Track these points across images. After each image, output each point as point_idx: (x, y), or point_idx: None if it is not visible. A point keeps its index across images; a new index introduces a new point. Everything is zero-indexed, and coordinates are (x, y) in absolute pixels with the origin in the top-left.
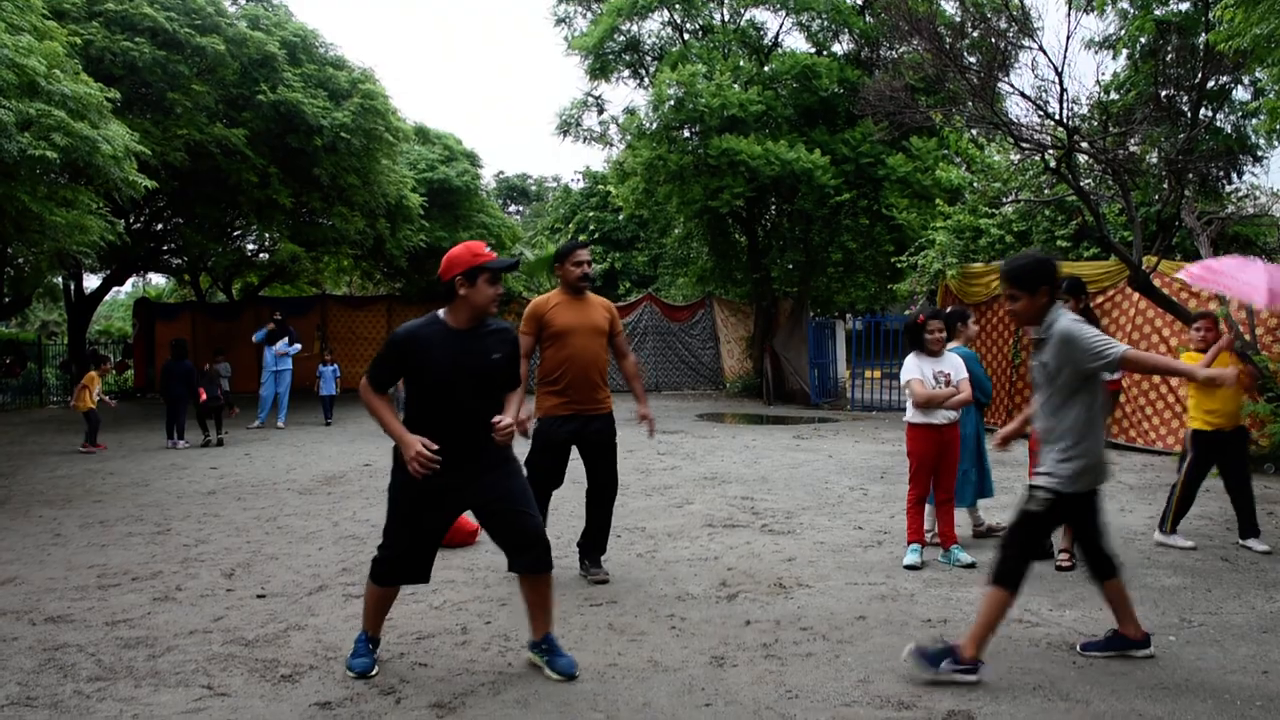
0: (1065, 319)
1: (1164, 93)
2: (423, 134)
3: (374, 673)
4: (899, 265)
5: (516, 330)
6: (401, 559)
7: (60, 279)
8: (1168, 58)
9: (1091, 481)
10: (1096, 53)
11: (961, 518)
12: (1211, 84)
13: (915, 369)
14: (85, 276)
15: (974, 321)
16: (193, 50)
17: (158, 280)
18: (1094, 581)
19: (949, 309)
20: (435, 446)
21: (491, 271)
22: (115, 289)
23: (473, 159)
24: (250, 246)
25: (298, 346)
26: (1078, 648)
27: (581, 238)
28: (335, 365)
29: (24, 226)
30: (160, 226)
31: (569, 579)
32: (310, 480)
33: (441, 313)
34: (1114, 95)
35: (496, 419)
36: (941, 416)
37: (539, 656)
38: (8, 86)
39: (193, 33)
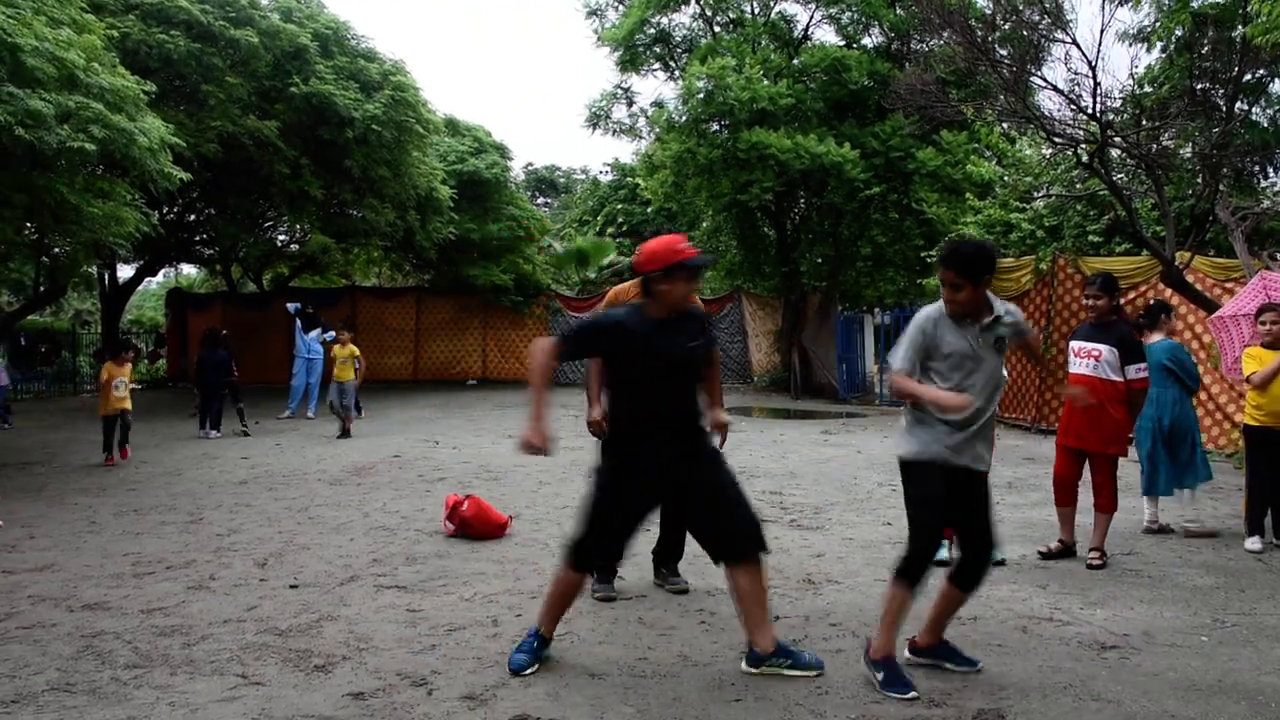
0: (1009, 306)
1: (1199, 86)
2: (453, 126)
3: (528, 672)
4: (928, 260)
5: (708, 315)
6: (602, 543)
7: (95, 269)
8: (1203, 50)
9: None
10: (1130, 46)
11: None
12: (1248, 77)
13: None
14: (119, 267)
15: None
16: (226, 43)
17: (188, 271)
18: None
19: (1153, 300)
20: (538, 443)
21: (689, 270)
22: (147, 279)
23: (502, 151)
24: (281, 238)
25: (332, 333)
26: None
27: (610, 230)
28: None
29: (62, 217)
30: (193, 218)
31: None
32: (340, 471)
33: (640, 302)
34: (1148, 89)
35: (713, 415)
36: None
37: (778, 665)
38: (47, 79)
39: (227, 25)
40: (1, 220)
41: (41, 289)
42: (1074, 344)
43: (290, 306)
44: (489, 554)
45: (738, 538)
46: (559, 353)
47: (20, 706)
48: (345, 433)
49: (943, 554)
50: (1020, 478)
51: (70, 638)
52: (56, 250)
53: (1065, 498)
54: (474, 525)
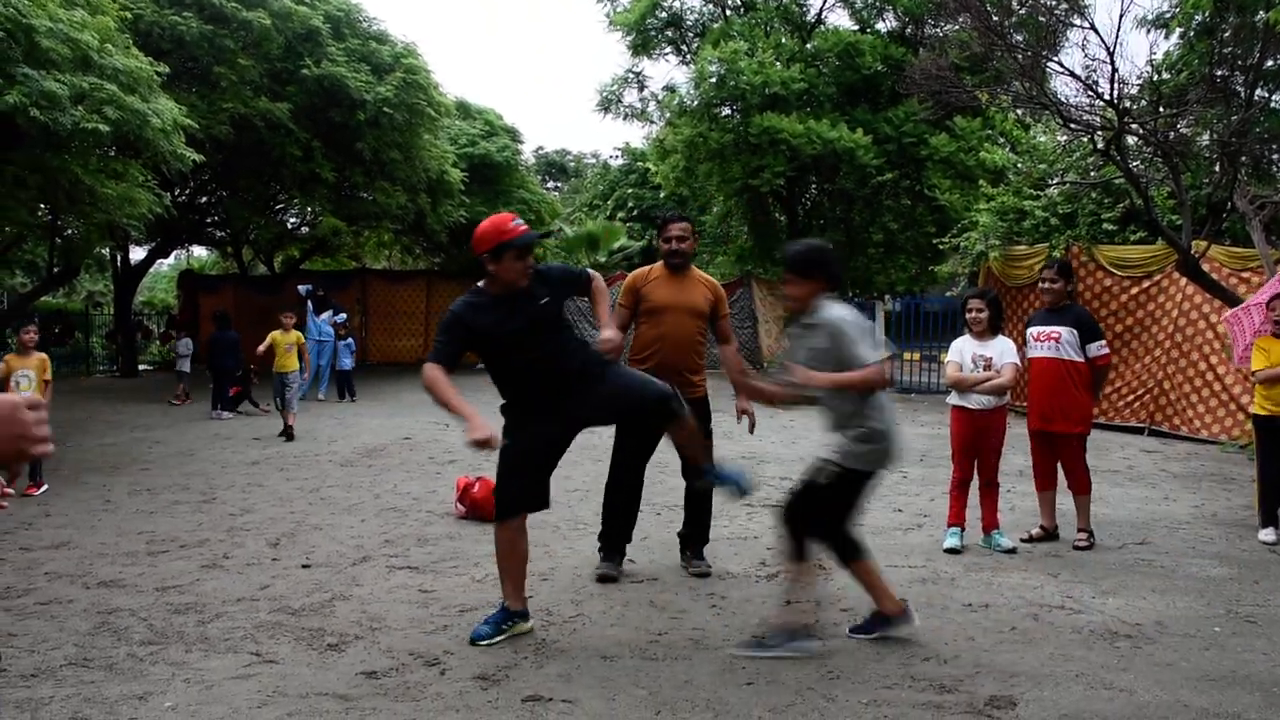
0: (836, 310)
1: (1219, 72)
2: (464, 109)
3: (484, 642)
4: (941, 247)
5: (561, 266)
6: (523, 493)
7: (108, 250)
8: (1224, 36)
9: (878, 462)
10: (1149, 31)
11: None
12: (1269, 64)
13: (955, 350)
14: (131, 248)
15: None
16: (239, 24)
17: (200, 252)
18: (841, 565)
19: None
20: (487, 435)
21: (516, 248)
22: (159, 261)
23: (513, 134)
24: (292, 220)
25: (344, 316)
26: (847, 632)
27: (620, 215)
28: (351, 340)
29: (76, 198)
30: (205, 199)
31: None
32: (351, 452)
33: (481, 284)
34: (1166, 75)
35: (600, 338)
36: (975, 401)
37: (707, 479)
38: (62, 61)
39: (239, 7)
40: (16, 201)
41: (55, 270)
42: (1031, 330)
43: (301, 289)
44: None
45: (651, 413)
46: (442, 365)
47: (40, 680)
48: (288, 433)
49: (954, 542)
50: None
51: (87, 614)
52: (70, 231)
53: (1043, 482)
54: (485, 507)
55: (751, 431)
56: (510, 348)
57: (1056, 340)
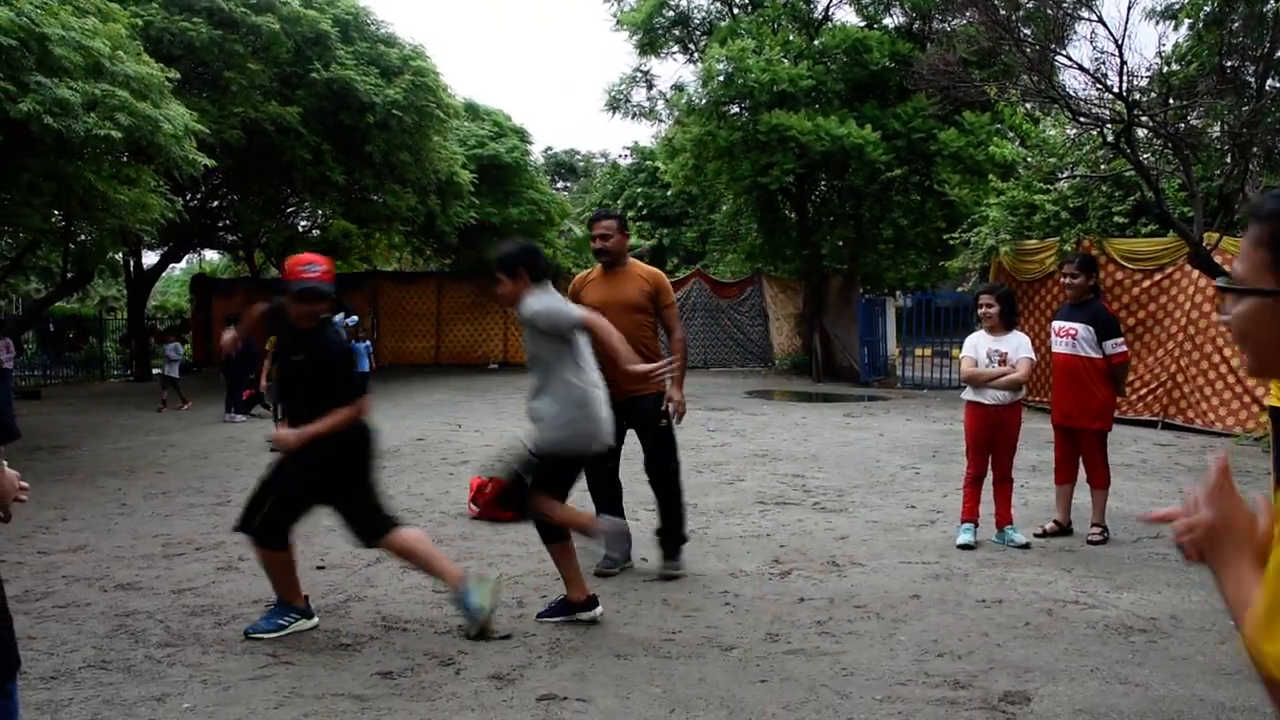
0: (533, 301)
1: (1229, 63)
2: (473, 110)
3: (264, 635)
4: (951, 242)
5: (340, 343)
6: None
7: (121, 255)
8: (1234, 26)
9: (578, 446)
10: (1158, 23)
11: None
12: None
13: (970, 345)
14: (144, 253)
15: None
16: (248, 29)
17: (212, 256)
18: (545, 543)
19: None
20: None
21: (293, 292)
22: (171, 265)
23: (522, 135)
24: (303, 223)
25: (355, 319)
26: (535, 616)
27: (629, 214)
28: (369, 342)
29: (89, 204)
30: (216, 204)
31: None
32: None
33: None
34: (1175, 66)
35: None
36: (990, 396)
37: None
38: (74, 68)
39: (248, 12)
40: (30, 208)
41: (69, 275)
42: (1054, 324)
43: None
44: (513, 536)
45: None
46: None
47: (59, 682)
48: None
49: (967, 538)
50: (1045, 461)
51: (104, 617)
52: (83, 237)
53: (1061, 475)
54: (498, 508)
55: (678, 422)
56: (284, 368)
57: (1074, 336)
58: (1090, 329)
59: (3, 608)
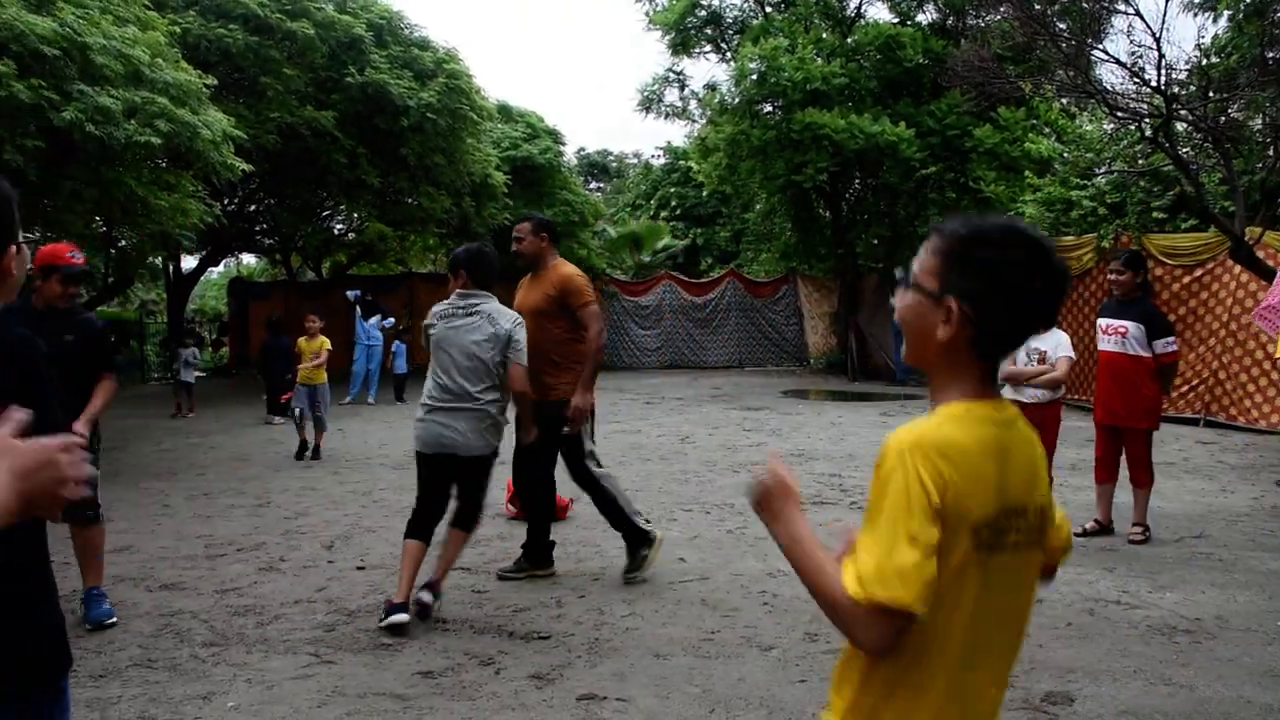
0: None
1: (1270, 54)
2: (506, 112)
3: (106, 621)
4: None
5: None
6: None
7: (160, 260)
8: (1275, 16)
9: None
10: (1196, 15)
11: None
12: None
13: None
14: (183, 257)
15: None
16: (283, 35)
17: (249, 260)
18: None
19: None
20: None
21: (62, 274)
22: (209, 269)
23: (555, 136)
24: (339, 226)
25: (391, 320)
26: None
27: (663, 214)
28: (404, 344)
29: (130, 210)
30: (253, 208)
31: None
32: (403, 455)
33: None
34: (1215, 59)
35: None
36: (1029, 395)
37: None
38: (115, 76)
39: (283, 18)
40: (73, 214)
41: (110, 280)
42: (1101, 321)
43: (350, 294)
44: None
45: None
46: None
47: (107, 681)
48: (316, 451)
49: None
50: (1085, 459)
51: (150, 617)
52: (124, 242)
53: (1103, 474)
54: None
55: (573, 431)
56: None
57: (1124, 335)
58: (1141, 327)
59: (55, 606)
